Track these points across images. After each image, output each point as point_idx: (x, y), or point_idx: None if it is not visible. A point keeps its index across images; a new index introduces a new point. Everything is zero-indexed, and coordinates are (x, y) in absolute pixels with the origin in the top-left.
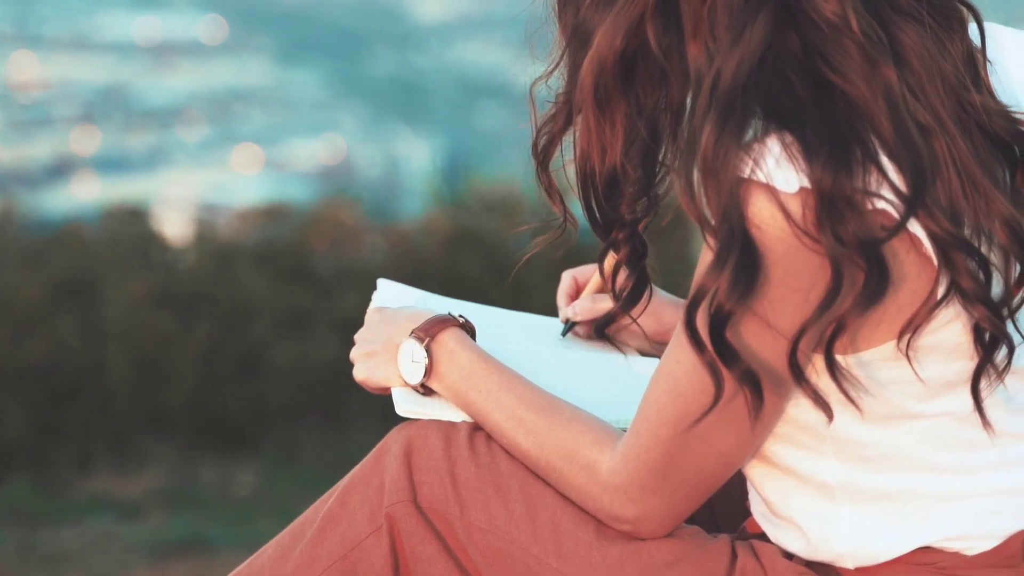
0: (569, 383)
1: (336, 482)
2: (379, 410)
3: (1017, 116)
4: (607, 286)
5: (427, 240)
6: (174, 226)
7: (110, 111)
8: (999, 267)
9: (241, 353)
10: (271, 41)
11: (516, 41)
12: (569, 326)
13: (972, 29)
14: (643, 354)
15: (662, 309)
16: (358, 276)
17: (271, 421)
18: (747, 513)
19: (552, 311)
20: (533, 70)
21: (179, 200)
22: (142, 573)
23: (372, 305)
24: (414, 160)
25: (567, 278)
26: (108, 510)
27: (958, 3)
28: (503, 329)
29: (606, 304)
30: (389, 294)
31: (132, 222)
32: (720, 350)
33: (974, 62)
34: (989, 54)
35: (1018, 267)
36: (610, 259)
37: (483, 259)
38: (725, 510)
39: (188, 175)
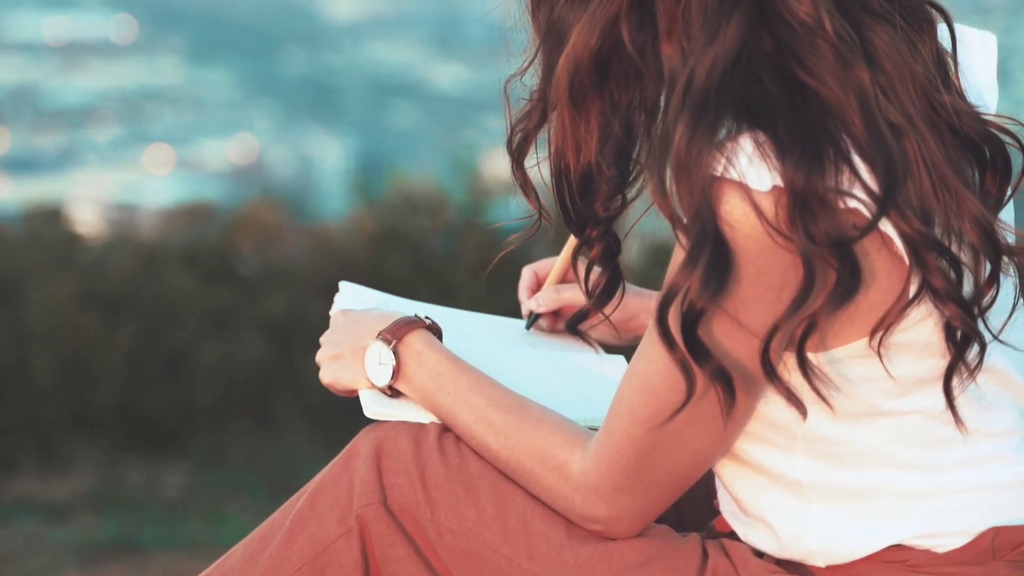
0: (535, 383)
1: (263, 481)
2: (307, 410)
3: (986, 117)
4: (581, 284)
5: (352, 240)
6: (89, 227)
7: (20, 111)
8: (969, 266)
9: (167, 354)
10: (182, 41)
11: (428, 40)
12: (533, 319)
13: (941, 30)
14: (607, 346)
15: (626, 299)
16: (283, 276)
17: (198, 422)
18: (714, 512)
19: (477, 309)
20: (444, 69)
21: (92, 200)
22: None
23: (334, 308)
24: (327, 159)
25: (527, 273)
26: (35, 512)
27: (927, 5)
28: (466, 330)
29: (569, 294)
30: (350, 297)
31: (51, 223)
32: (692, 348)
33: (943, 63)
34: (960, 57)
35: (988, 266)
36: (568, 248)
37: (409, 258)
38: (692, 509)
39: (100, 175)
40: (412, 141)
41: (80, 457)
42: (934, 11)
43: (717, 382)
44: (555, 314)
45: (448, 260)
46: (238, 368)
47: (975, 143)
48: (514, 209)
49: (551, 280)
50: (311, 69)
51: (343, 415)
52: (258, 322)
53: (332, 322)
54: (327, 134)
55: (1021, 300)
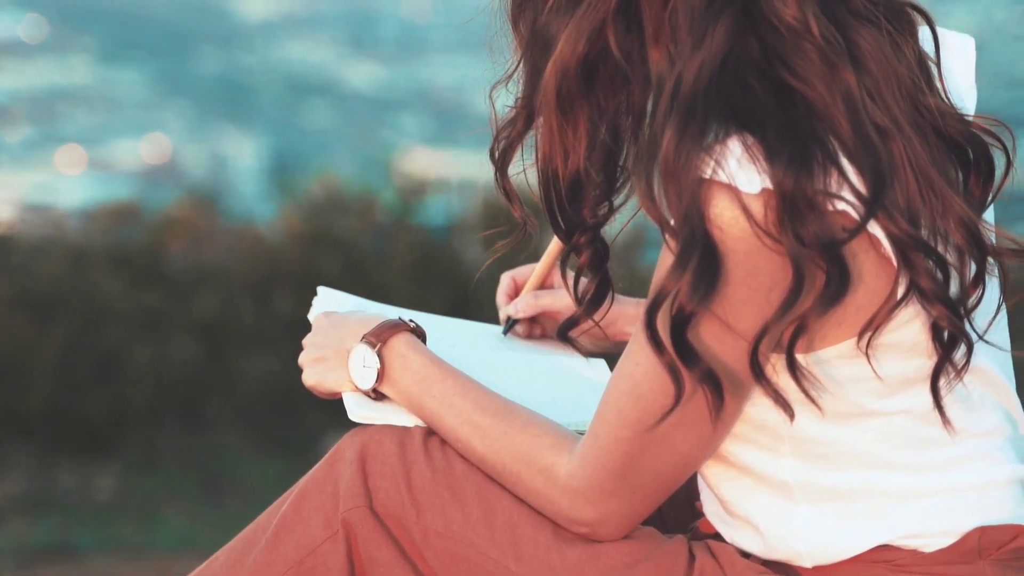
0: (519, 387)
1: (196, 483)
2: (239, 411)
3: (970, 118)
4: (569, 291)
5: (281, 240)
6: (4, 227)
7: None
8: (955, 267)
9: (98, 356)
10: (94, 40)
11: (342, 40)
12: (510, 324)
13: (922, 33)
14: (583, 351)
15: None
16: (212, 277)
17: (130, 423)
18: (696, 514)
19: (410, 308)
20: (358, 68)
21: (4, 201)
22: None
23: (311, 312)
24: (241, 159)
25: (506, 279)
26: None
27: (909, 8)
28: (447, 335)
29: (547, 300)
30: (328, 302)
31: None
32: (681, 351)
33: (925, 65)
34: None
35: (973, 267)
36: (552, 246)
37: (339, 258)
38: (673, 511)
39: (11, 176)
40: (327, 140)
41: (11, 460)
42: (915, 13)
43: (705, 385)
44: (532, 320)
45: (379, 260)
46: (169, 369)
47: (959, 144)
48: (440, 209)
49: (530, 286)
50: (224, 68)
51: (276, 415)
52: (189, 323)
53: (314, 324)
54: (241, 133)
55: (1002, 301)
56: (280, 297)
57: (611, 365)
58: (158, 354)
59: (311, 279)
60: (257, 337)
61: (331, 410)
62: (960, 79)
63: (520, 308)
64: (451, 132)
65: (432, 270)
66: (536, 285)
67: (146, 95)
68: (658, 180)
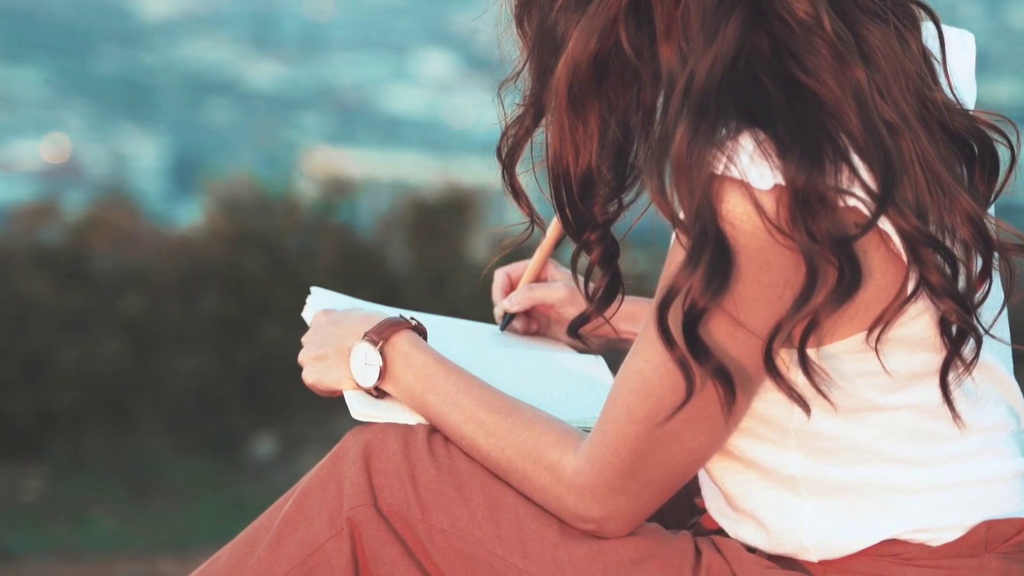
0: (520, 384)
1: (124, 484)
2: (166, 411)
3: (975, 114)
4: (581, 289)
5: (205, 239)
6: None
7: None
8: (962, 262)
9: (23, 357)
10: None
11: (243, 38)
12: (507, 319)
13: (924, 29)
14: (577, 347)
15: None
16: (137, 277)
17: (56, 425)
18: (694, 509)
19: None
20: (260, 67)
21: None
22: None
23: (305, 312)
24: (142, 158)
25: (500, 275)
26: None
27: (914, 4)
28: (444, 333)
29: (541, 292)
30: (322, 301)
31: None
32: (692, 347)
33: (929, 61)
34: (936, 53)
35: (979, 262)
36: (546, 241)
37: (265, 259)
38: (672, 507)
39: None
40: (229, 139)
41: None
42: (918, 9)
43: (717, 380)
44: (528, 315)
45: (304, 259)
46: (96, 370)
47: (964, 140)
48: (363, 208)
49: (525, 281)
50: (125, 67)
51: (203, 415)
52: (114, 323)
53: (313, 322)
54: (142, 133)
55: (1008, 296)
56: (205, 296)
57: (608, 363)
58: (84, 355)
59: (236, 278)
60: (183, 337)
61: (258, 409)
62: (961, 74)
63: (515, 302)
64: (354, 131)
65: (357, 268)
66: (531, 279)
67: (46, 94)
68: (669, 176)
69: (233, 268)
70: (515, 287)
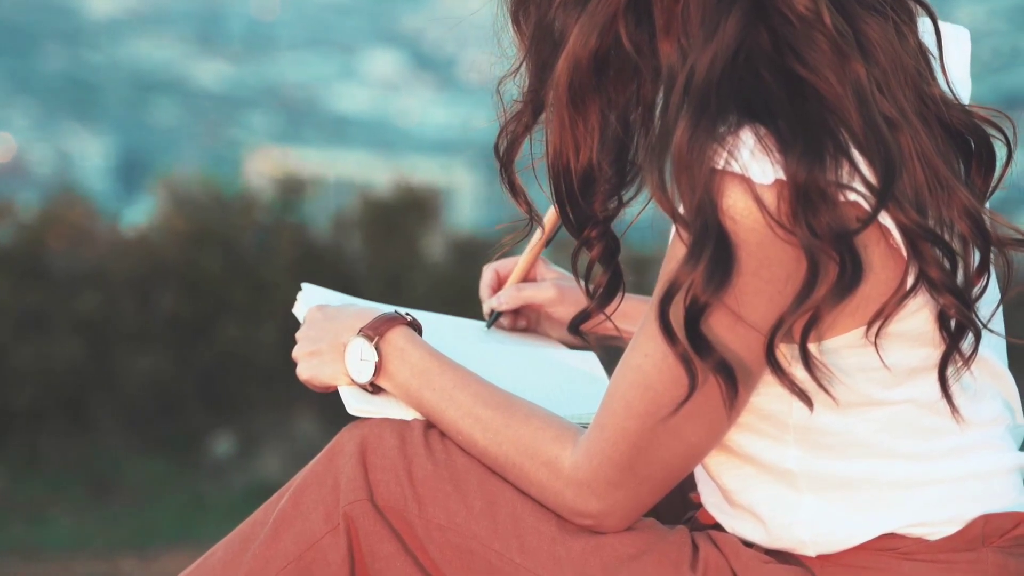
0: (511, 380)
1: (82, 483)
2: (123, 409)
3: (972, 109)
4: (581, 285)
5: (162, 238)
6: None
7: None
8: (960, 256)
9: None
10: None
11: (189, 37)
12: (494, 317)
13: (921, 25)
14: (566, 343)
15: (583, 295)
16: (94, 276)
17: (13, 424)
18: (687, 504)
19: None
20: (206, 66)
21: None
22: None
23: (297, 308)
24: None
25: (488, 272)
26: None
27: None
28: (435, 328)
29: (529, 292)
30: (314, 298)
31: None
32: (694, 342)
33: (926, 56)
34: (932, 49)
35: (977, 257)
36: (535, 240)
37: (221, 257)
38: (665, 502)
39: None
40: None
41: None
42: (915, 4)
43: (719, 375)
44: (516, 312)
45: (261, 258)
46: (53, 369)
47: (961, 135)
48: (318, 207)
49: (513, 279)
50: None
51: (160, 414)
52: (71, 322)
53: (307, 318)
54: (88, 132)
55: (1005, 290)
56: (162, 295)
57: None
58: (41, 353)
59: (194, 277)
60: (140, 336)
61: (216, 408)
62: (956, 71)
63: (503, 301)
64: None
65: (310, 267)
66: (519, 278)
67: None
68: (670, 172)
69: (190, 267)
70: (503, 284)
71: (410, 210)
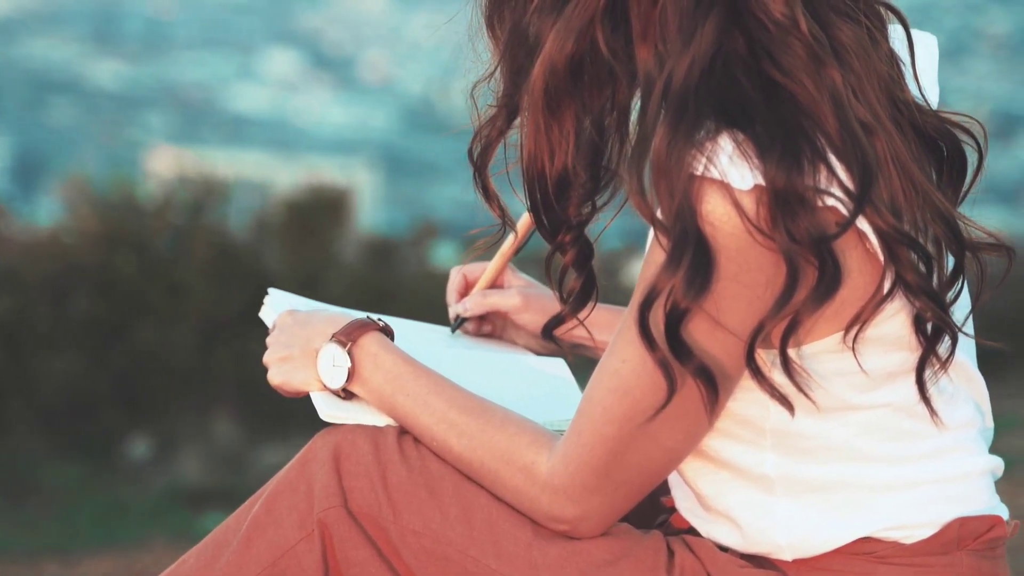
0: (481, 386)
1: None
2: (39, 413)
3: (944, 114)
4: (555, 289)
5: (75, 240)
6: None
7: None
8: (935, 260)
9: None
10: None
11: (86, 37)
12: (459, 322)
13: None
14: (532, 351)
15: (550, 307)
16: (5, 278)
17: None
18: (659, 508)
19: (210, 307)
20: (106, 67)
21: None
22: None
23: (264, 312)
24: None
25: (456, 275)
26: None
27: (883, 6)
28: (403, 333)
29: (495, 299)
30: (281, 302)
31: None
32: (674, 347)
33: (896, 62)
34: (903, 56)
35: (951, 261)
36: (505, 246)
37: (137, 259)
38: (636, 506)
39: None
40: (72, 138)
41: None
42: (885, 10)
43: (699, 380)
44: (480, 318)
45: (176, 260)
46: None
47: (934, 140)
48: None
49: (481, 284)
50: None
51: (75, 416)
52: None
53: (278, 323)
54: None
55: (979, 294)
56: (76, 298)
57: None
58: None
59: (109, 280)
60: (55, 338)
61: (132, 411)
62: (924, 76)
63: (469, 307)
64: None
65: (228, 270)
66: (487, 284)
67: None
68: (649, 177)
69: (104, 268)
70: (471, 288)
71: (324, 211)
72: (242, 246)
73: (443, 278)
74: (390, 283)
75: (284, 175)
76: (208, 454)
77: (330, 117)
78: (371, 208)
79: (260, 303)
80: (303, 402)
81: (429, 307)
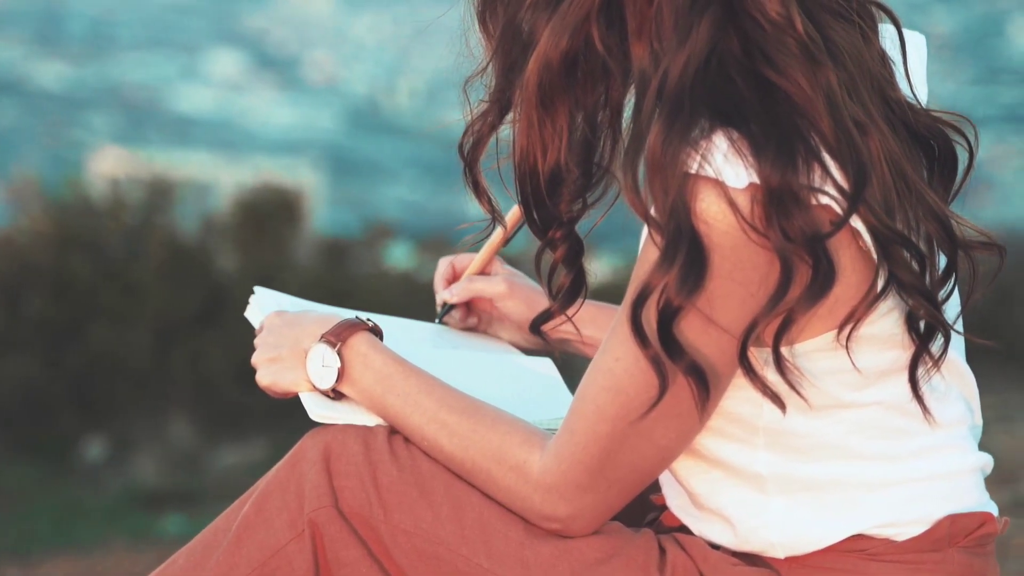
0: (472, 385)
1: None
2: None
3: (936, 114)
4: (544, 285)
5: (29, 241)
6: None
7: None
8: (928, 259)
9: None
10: None
11: (28, 37)
12: (446, 310)
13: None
14: (517, 345)
15: (535, 297)
16: None
17: None
18: (648, 506)
19: (166, 307)
20: (49, 68)
21: None
22: None
23: (250, 312)
24: None
25: (444, 264)
26: None
27: (875, 6)
28: (391, 332)
29: (480, 285)
30: (266, 302)
31: None
32: (667, 345)
33: (887, 61)
34: (892, 55)
35: (943, 259)
36: (494, 237)
37: (91, 260)
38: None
39: None
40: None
41: None
42: (877, 10)
43: (691, 378)
44: (467, 308)
45: (130, 260)
46: None
47: (925, 139)
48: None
49: (469, 273)
50: None
51: (30, 418)
52: None
53: (267, 324)
54: None
55: (971, 293)
56: (30, 299)
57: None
58: None
59: (63, 280)
60: (8, 340)
61: (87, 412)
62: (914, 75)
63: (455, 293)
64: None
65: (181, 271)
66: (475, 272)
67: None
68: (643, 175)
69: (58, 270)
70: (458, 277)
71: (277, 212)
72: (195, 247)
73: (397, 279)
74: (345, 283)
75: (230, 176)
76: (164, 455)
77: (275, 117)
78: (317, 208)
79: (215, 304)
80: (259, 402)
81: (384, 308)
